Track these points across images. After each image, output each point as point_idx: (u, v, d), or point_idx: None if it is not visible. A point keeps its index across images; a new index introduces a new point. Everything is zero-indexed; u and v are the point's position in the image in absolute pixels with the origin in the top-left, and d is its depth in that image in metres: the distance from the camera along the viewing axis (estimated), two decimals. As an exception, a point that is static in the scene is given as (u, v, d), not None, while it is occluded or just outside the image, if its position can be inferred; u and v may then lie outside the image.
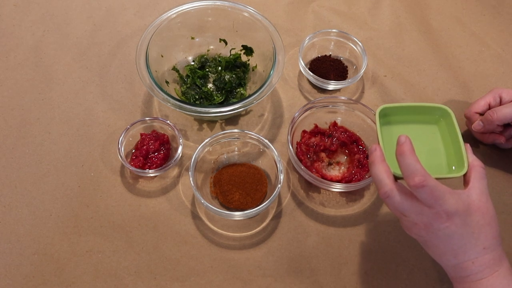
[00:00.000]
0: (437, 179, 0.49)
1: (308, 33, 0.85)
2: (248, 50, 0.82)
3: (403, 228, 0.53)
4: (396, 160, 0.50)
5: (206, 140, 0.69)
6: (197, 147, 0.68)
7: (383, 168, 0.51)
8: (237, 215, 0.64)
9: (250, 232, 0.68)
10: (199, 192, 0.66)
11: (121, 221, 0.68)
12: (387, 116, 0.60)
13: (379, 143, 0.55)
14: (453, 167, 0.56)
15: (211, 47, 0.85)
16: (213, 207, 0.63)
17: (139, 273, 0.64)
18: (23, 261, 0.64)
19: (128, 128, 0.72)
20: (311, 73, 0.80)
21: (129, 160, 0.72)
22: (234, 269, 0.65)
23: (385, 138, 0.58)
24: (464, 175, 0.53)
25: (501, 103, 0.72)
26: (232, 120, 0.79)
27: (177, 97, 0.75)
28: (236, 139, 0.72)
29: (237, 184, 0.70)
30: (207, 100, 0.79)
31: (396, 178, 0.52)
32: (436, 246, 0.51)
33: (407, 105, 0.60)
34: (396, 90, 0.83)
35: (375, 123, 0.72)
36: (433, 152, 0.59)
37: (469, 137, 0.78)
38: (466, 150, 0.55)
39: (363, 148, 0.74)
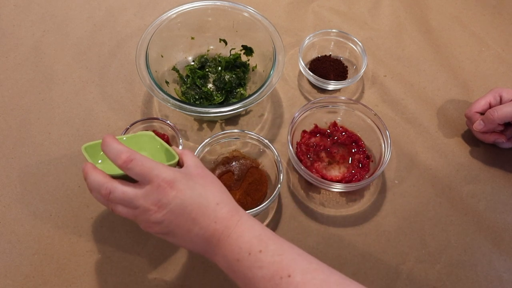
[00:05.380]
0: None
1: (308, 33, 0.85)
2: (248, 50, 0.82)
3: (144, 229, 0.51)
4: (103, 151, 0.50)
5: (206, 140, 0.69)
6: (197, 147, 0.68)
7: (96, 173, 0.50)
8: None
9: (250, 232, 0.68)
10: (199, 192, 0.66)
11: (121, 221, 0.68)
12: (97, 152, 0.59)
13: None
14: None
15: (211, 47, 0.85)
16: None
17: (139, 273, 0.64)
18: (23, 261, 0.64)
19: (128, 128, 0.72)
20: (311, 73, 0.80)
21: (129, 160, 0.72)
22: (234, 269, 0.65)
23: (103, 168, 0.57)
24: (178, 163, 0.56)
25: (501, 102, 0.72)
26: (232, 120, 0.79)
27: (177, 97, 0.75)
28: (236, 139, 0.72)
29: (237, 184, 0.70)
30: (207, 100, 0.79)
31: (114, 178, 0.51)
32: (178, 225, 0.49)
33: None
34: (396, 90, 0.83)
35: (375, 123, 0.73)
36: None
37: (470, 136, 0.78)
38: (173, 148, 0.58)
39: (363, 148, 0.74)
